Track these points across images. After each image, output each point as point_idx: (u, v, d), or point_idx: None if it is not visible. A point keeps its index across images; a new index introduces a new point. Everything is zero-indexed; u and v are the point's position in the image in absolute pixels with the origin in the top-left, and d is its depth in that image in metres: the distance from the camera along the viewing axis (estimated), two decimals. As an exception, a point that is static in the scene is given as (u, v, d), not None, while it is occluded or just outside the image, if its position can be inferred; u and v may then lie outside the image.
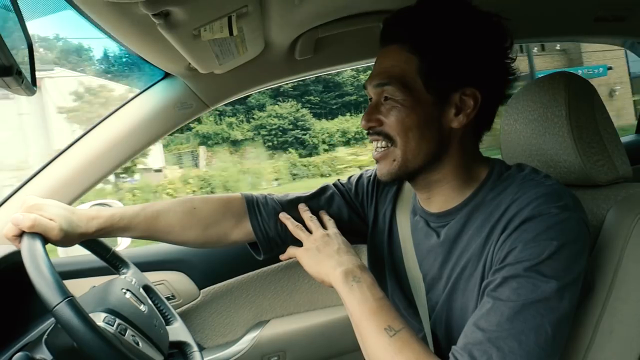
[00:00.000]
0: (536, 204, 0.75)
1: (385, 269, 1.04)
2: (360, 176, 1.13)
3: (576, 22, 1.65)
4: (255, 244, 1.09)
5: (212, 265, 1.57)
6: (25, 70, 0.70)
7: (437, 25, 0.82)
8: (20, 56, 0.69)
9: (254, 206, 1.07)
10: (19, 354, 0.83)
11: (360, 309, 0.81)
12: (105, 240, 1.12)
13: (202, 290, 1.56)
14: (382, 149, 0.87)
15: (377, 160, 0.90)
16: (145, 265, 1.27)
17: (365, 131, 0.89)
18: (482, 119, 0.87)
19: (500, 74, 0.85)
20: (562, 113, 0.91)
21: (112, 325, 0.87)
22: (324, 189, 1.12)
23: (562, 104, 0.91)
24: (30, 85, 0.71)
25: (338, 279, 0.86)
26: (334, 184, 1.14)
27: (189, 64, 1.20)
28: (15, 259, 1.01)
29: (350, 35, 1.33)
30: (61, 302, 0.74)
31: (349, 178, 1.15)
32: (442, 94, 0.83)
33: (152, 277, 1.24)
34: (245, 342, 1.57)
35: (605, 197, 0.91)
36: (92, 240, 1.08)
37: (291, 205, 1.08)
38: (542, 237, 0.72)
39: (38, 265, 0.78)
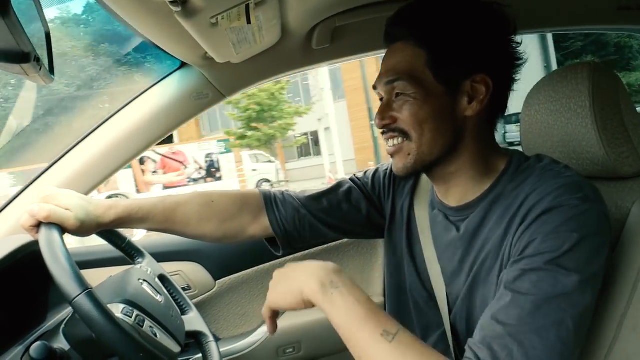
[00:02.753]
0: (556, 194, 0.74)
1: (403, 263, 1.03)
2: (377, 170, 1.13)
3: (598, 11, 1.61)
4: (273, 241, 1.09)
5: (228, 256, 1.57)
6: (43, 57, 0.69)
7: (439, 17, 0.83)
8: (39, 43, 0.68)
9: (271, 201, 1.07)
10: (37, 343, 0.83)
11: (349, 318, 0.72)
12: (121, 230, 1.12)
13: (217, 281, 1.56)
14: (397, 145, 0.87)
15: (392, 155, 0.89)
16: (161, 256, 1.27)
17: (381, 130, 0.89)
18: (495, 106, 0.87)
19: (508, 58, 0.85)
20: (586, 104, 0.89)
21: (131, 317, 0.87)
22: (340, 184, 1.12)
23: (586, 94, 0.89)
24: (48, 73, 0.71)
25: (314, 291, 0.75)
26: (350, 179, 1.13)
27: (206, 53, 1.19)
28: (31, 248, 1.02)
29: (367, 24, 1.31)
30: (80, 294, 0.74)
31: (365, 172, 1.15)
32: (453, 83, 0.83)
33: (168, 268, 1.24)
34: (260, 334, 1.57)
35: (630, 189, 0.89)
36: (108, 230, 1.08)
37: (308, 201, 1.08)
38: (562, 229, 0.71)
39: (56, 256, 0.78)
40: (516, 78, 0.88)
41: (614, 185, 0.92)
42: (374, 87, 0.90)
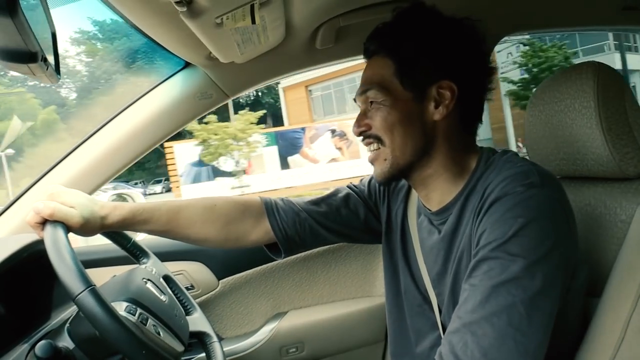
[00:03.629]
0: (503, 185, 0.77)
1: (398, 267, 1.06)
2: (372, 178, 1.16)
3: (603, 11, 1.61)
4: (274, 247, 1.12)
5: (231, 256, 1.57)
6: (50, 57, 0.69)
7: (406, 30, 0.88)
8: (45, 43, 0.68)
9: (272, 207, 1.10)
10: (43, 342, 0.84)
11: None
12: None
13: (220, 281, 1.57)
14: (374, 151, 0.91)
15: (372, 163, 0.93)
16: (165, 255, 1.28)
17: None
18: (466, 111, 0.90)
19: (474, 66, 0.89)
20: (590, 104, 0.89)
21: (134, 315, 0.87)
22: (338, 190, 1.16)
23: (591, 95, 0.89)
24: (55, 73, 0.71)
25: None
26: (347, 186, 1.17)
27: (210, 53, 1.19)
28: (36, 247, 1.02)
29: (371, 24, 1.28)
30: (84, 290, 0.74)
31: (361, 180, 1.19)
32: (419, 88, 0.87)
33: (172, 267, 1.25)
34: (263, 333, 1.57)
35: (635, 190, 0.88)
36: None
37: (308, 205, 1.10)
38: (507, 216, 0.73)
39: (61, 253, 0.78)
40: (491, 87, 0.92)
41: (618, 186, 0.92)
42: (354, 100, 0.96)
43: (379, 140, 0.90)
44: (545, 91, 1.00)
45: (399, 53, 0.88)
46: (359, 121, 0.92)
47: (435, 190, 0.92)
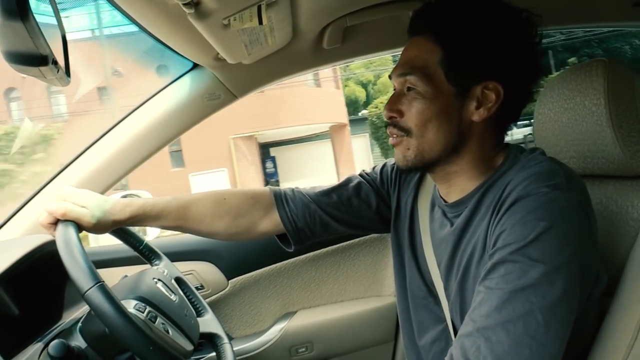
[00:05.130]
0: (526, 184, 0.74)
1: (404, 258, 1.03)
2: (384, 165, 1.14)
3: (613, 7, 1.59)
4: (285, 238, 1.10)
5: (241, 255, 1.58)
6: (60, 60, 0.70)
7: (463, 17, 0.81)
8: (56, 46, 0.69)
9: (281, 198, 1.08)
10: (56, 341, 0.85)
11: None
12: (137, 232, 1.14)
13: (230, 281, 1.57)
14: (398, 137, 0.87)
15: (394, 146, 0.89)
16: (174, 255, 1.28)
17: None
18: (505, 114, 0.85)
19: (526, 70, 0.84)
20: (600, 101, 0.87)
21: (143, 312, 0.88)
22: (349, 179, 1.13)
23: (601, 92, 0.87)
24: (65, 76, 0.72)
25: None
26: (359, 174, 1.14)
27: (218, 54, 1.19)
28: (48, 248, 1.04)
29: (378, 24, 1.32)
30: (92, 286, 0.76)
31: (373, 168, 1.16)
32: (463, 85, 0.82)
33: (181, 267, 1.25)
34: (273, 333, 1.57)
35: None
36: (125, 231, 1.10)
37: (318, 196, 1.08)
38: (528, 218, 0.70)
39: (71, 251, 0.80)
40: (534, 90, 0.87)
41: (629, 184, 0.91)
42: (390, 77, 0.90)
43: (406, 131, 0.85)
44: (554, 89, 0.99)
45: (449, 42, 0.81)
46: (391, 104, 0.86)
47: (457, 185, 0.89)
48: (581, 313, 0.72)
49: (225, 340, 1.12)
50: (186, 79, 1.39)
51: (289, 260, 1.60)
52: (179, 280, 1.15)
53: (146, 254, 1.15)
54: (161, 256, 1.17)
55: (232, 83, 1.40)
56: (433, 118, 0.82)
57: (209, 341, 1.12)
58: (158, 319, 0.90)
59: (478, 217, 0.83)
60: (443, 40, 0.82)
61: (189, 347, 0.97)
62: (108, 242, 1.24)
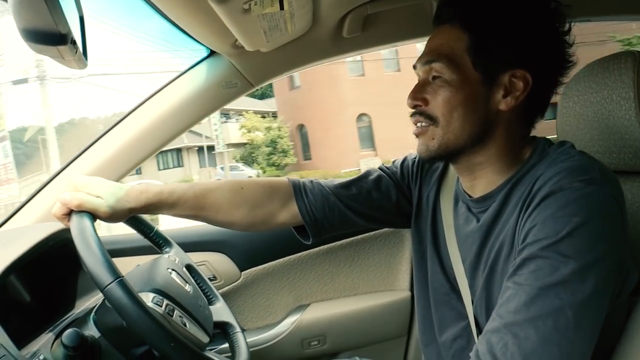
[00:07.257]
0: (558, 178, 0.72)
1: (427, 253, 1.02)
2: (405, 159, 1.12)
3: None
4: (302, 230, 1.08)
5: (254, 247, 1.56)
6: (78, 41, 0.68)
7: (489, 3, 0.80)
8: (74, 27, 0.67)
9: (300, 189, 1.06)
10: (69, 330, 0.83)
11: None
12: (149, 220, 1.13)
13: (243, 272, 1.56)
14: (423, 127, 0.85)
15: (417, 136, 0.87)
16: (187, 246, 1.27)
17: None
18: (533, 104, 0.84)
19: (555, 58, 0.82)
20: (629, 95, 0.85)
21: (161, 306, 0.87)
22: (369, 172, 1.11)
23: (630, 85, 0.85)
24: (83, 58, 0.70)
25: None
26: (379, 168, 1.12)
27: (236, 40, 1.17)
28: (61, 236, 1.02)
29: (400, 12, 1.29)
30: (113, 282, 0.74)
31: (394, 162, 1.14)
32: (491, 73, 0.80)
33: (194, 258, 1.24)
34: (285, 326, 1.56)
35: None
36: (136, 219, 1.08)
37: (338, 189, 1.06)
38: (560, 213, 0.68)
39: (89, 244, 0.78)
40: (563, 80, 0.85)
41: None
42: (414, 67, 0.88)
43: (432, 119, 0.83)
44: (580, 82, 0.96)
45: (476, 28, 0.80)
46: (415, 93, 0.85)
47: (482, 179, 0.87)
48: (610, 311, 0.70)
49: (238, 329, 1.11)
50: (202, 66, 1.37)
51: (302, 253, 1.59)
52: (189, 268, 1.14)
53: (157, 241, 1.13)
54: (172, 243, 1.15)
55: (249, 71, 1.38)
56: (459, 106, 0.81)
57: (221, 330, 1.10)
58: (175, 312, 0.89)
59: (506, 213, 0.81)
60: (470, 26, 0.81)
61: (205, 339, 0.95)
62: (118, 229, 1.23)
